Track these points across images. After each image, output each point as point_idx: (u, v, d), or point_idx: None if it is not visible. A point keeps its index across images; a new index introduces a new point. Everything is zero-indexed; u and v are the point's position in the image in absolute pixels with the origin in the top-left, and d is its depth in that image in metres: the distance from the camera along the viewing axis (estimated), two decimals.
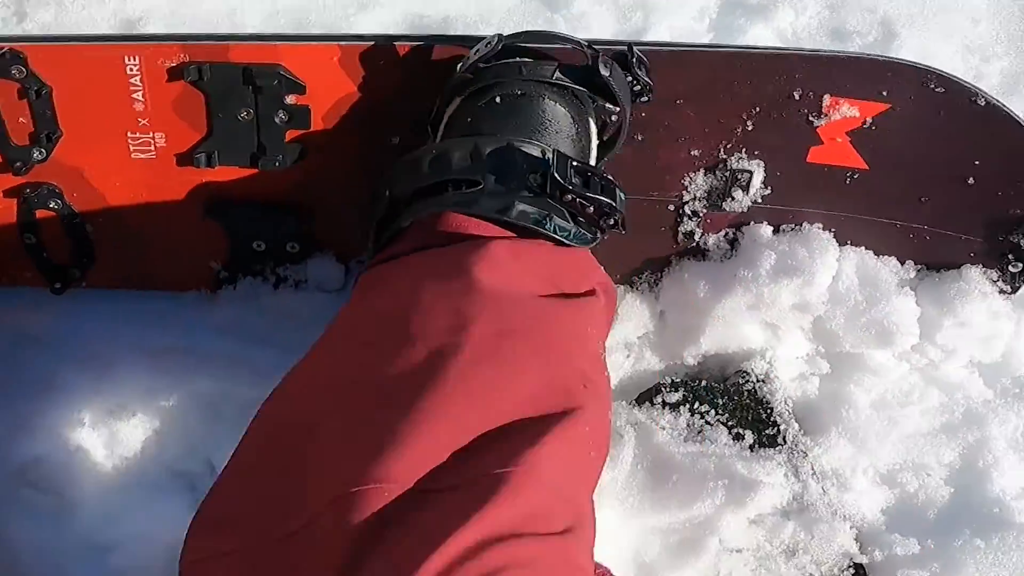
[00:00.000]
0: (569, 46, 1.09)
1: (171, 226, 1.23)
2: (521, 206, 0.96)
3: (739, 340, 1.33)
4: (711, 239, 1.32)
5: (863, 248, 1.32)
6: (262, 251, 1.26)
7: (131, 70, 1.10)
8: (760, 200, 1.27)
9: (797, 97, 1.19)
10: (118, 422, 1.22)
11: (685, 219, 1.28)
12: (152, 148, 1.16)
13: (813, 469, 1.25)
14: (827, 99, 1.20)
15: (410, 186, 1.01)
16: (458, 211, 0.96)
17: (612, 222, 1.03)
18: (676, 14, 1.46)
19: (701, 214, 1.28)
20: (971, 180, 1.25)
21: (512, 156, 0.99)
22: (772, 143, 1.23)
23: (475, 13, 1.43)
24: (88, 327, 1.30)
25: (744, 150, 1.24)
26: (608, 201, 1.01)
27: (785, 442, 1.27)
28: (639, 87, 1.11)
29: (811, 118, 1.21)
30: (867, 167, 1.25)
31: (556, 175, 0.97)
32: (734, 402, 1.29)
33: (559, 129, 1.06)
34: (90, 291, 1.31)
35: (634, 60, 1.10)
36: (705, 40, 1.51)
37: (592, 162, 1.12)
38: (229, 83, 1.11)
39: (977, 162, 1.24)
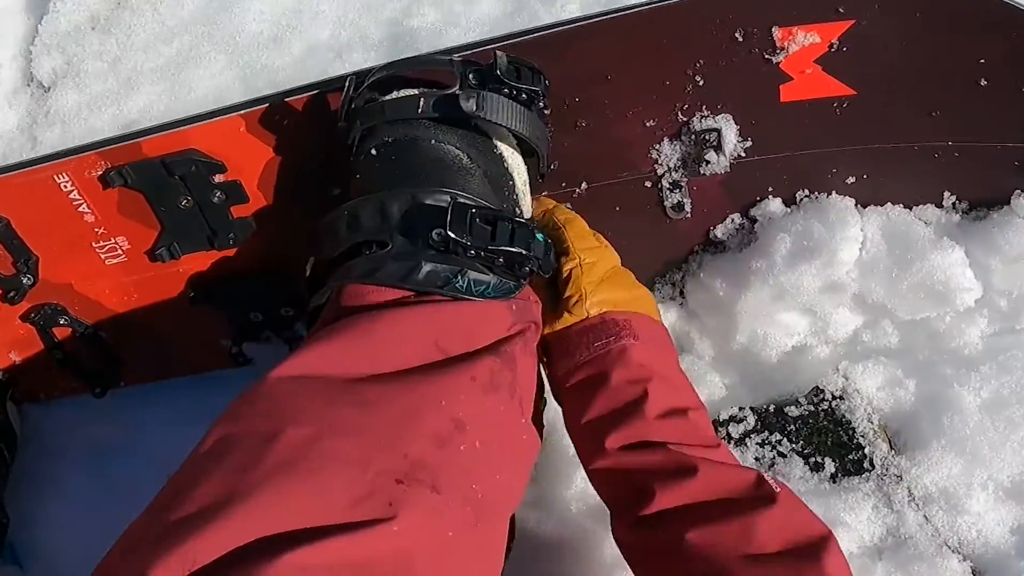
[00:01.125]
0: (437, 67, 1.02)
1: (171, 316, 1.27)
2: (428, 267, 0.91)
3: (782, 332, 1.20)
4: (720, 229, 1.20)
5: (889, 204, 1.16)
6: (261, 321, 1.27)
7: (65, 187, 1.14)
8: (743, 155, 1.13)
9: (740, 38, 1.06)
10: None
11: (667, 192, 1.17)
12: (120, 252, 1.20)
13: (911, 494, 1.10)
14: (776, 31, 1.06)
15: (332, 250, 0.98)
16: (360, 282, 0.92)
17: (528, 269, 0.95)
18: None
19: (683, 183, 1.16)
20: (983, 81, 1.06)
21: (417, 211, 0.93)
22: (733, 93, 1.10)
23: (442, 19, 1.35)
24: (156, 433, 1.37)
25: (704, 107, 1.11)
26: (517, 251, 0.92)
27: (873, 467, 1.12)
28: (525, 96, 0.99)
29: (767, 56, 1.07)
30: (854, 91, 1.09)
31: (451, 233, 0.90)
32: (809, 426, 1.16)
33: (458, 167, 0.98)
34: (149, 394, 1.37)
35: (500, 71, 0.98)
36: None
37: (519, 184, 1.03)
38: (155, 178, 1.13)
39: (982, 60, 1.05)
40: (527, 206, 1.05)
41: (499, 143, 1.01)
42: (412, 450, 0.78)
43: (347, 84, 1.02)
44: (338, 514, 0.72)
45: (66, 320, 1.27)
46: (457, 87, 0.98)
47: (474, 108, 0.95)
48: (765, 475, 0.91)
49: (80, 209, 1.16)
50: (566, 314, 1.01)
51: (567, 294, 1.01)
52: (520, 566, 1.04)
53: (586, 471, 0.99)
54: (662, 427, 0.94)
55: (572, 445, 1.02)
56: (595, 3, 1.26)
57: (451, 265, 0.91)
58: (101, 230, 1.19)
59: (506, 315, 0.93)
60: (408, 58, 1.04)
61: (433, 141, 0.97)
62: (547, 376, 1.05)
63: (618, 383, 0.96)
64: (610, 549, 1.10)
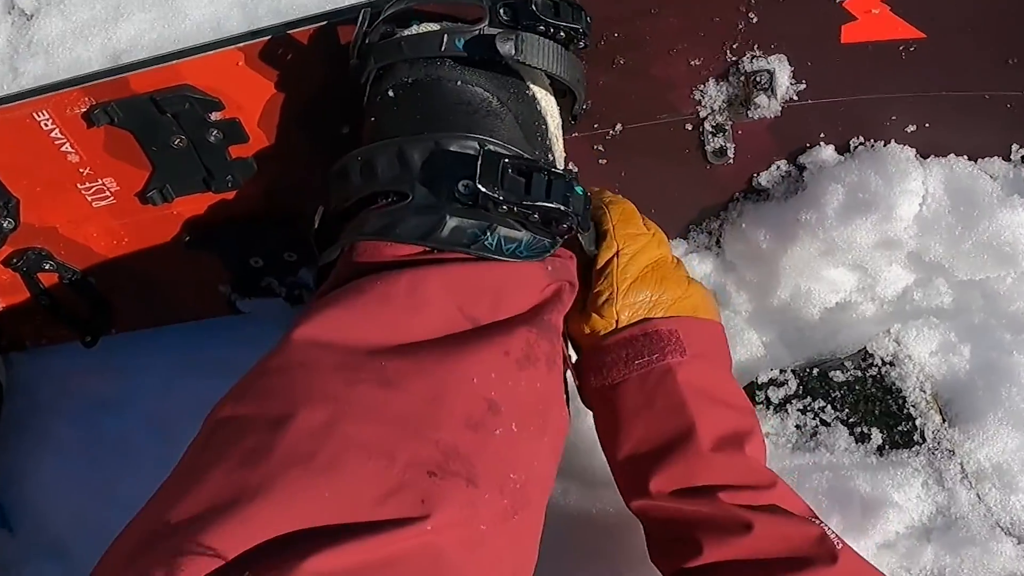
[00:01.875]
0: (464, 1, 0.90)
1: (165, 261, 1.17)
2: (453, 222, 0.81)
3: (827, 289, 1.11)
4: (764, 176, 1.09)
5: (952, 156, 1.05)
6: (261, 267, 1.18)
7: (46, 125, 1.04)
8: (795, 97, 1.03)
9: None
10: None
11: (709, 136, 1.06)
12: (108, 194, 1.10)
13: (963, 470, 1.01)
14: None
15: (343, 200, 0.88)
16: (376, 238, 0.82)
17: (566, 226, 0.84)
18: None
19: (727, 127, 1.05)
20: None
21: (442, 159, 0.83)
22: (789, 32, 0.99)
23: None
24: (151, 384, 1.30)
25: (756, 47, 1.01)
26: (554, 207, 0.81)
27: (924, 440, 1.03)
28: (563, 35, 0.89)
29: None
30: (924, 35, 0.98)
31: (481, 187, 0.80)
32: (856, 393, 1.06)
33: (486, 111, 0.87)
34: (142, 344, 1.30)
35: (537, 7, 0.86)
36: None
37: (552, 129, 0.93)
38: (145, 116, 1.03)
39: None
40: (560, 152, 0.95)
41: (532, 84, 0.91)
42: (443, 436, 0.70)
43: (360, 16, 0.90)
44: (363, 512, 0.64)
45: (51, 265, 1.18)
46: (487, 24, 0.86)
47: (512, 51, 0.84)
48: (827, 530, 0.83)
49: (63, 148, 1.06)
50: (594, 316, 0.90)
51: (597, 288, 0.91)
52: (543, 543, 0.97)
53: (625, 504, 0.91)
54: (713, 464, 0.85)
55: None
56: None
57: (479, 220, 0.81)
58: (87, 171, 1.08)
59: (541, 276, 0.83)
60: None
61: (459, 82, 0.87)
62: (575, 384, 0.94)
63: (662, 411, 0.87)
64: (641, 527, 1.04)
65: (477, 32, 0.86)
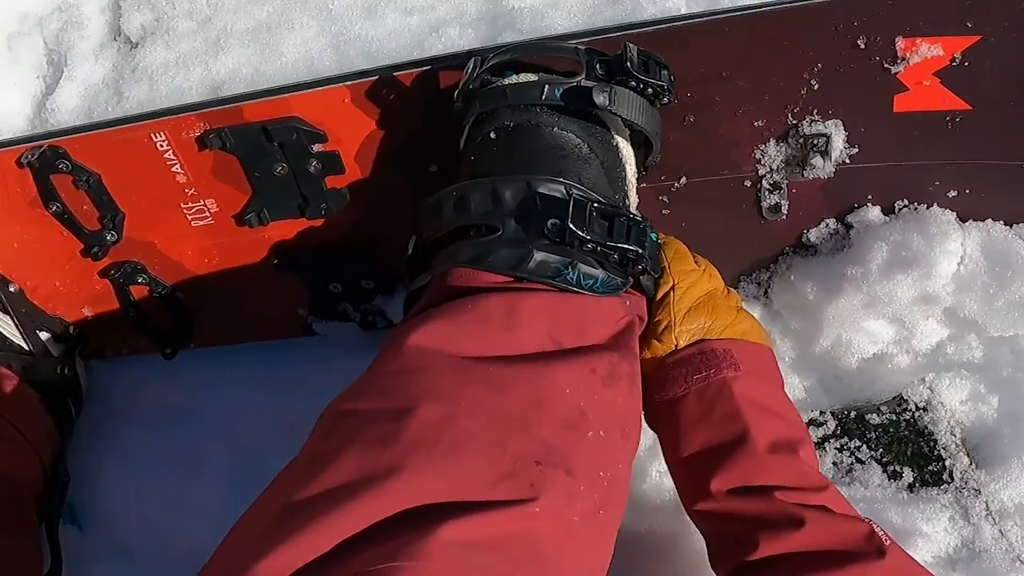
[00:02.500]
0: (563, 55, 1.00)
1: (250, 282, 1.26)
2: (540, 256, 0.89)
3: (866, 340, 1.19)
4: (814, 232, 1.19)
5: (990, 221, 1.14)
6: (339, 292, 1.26)
7: (161, 146, 1.13)
8: (848, 160, 1.12)
9: (863, 45, 1.04)
10: None
11: (766, 193, 1.15)
12: (208, 214, 1.19)
13: (988, 508, 1.09)
14: (900, 41, 1.04)
15: (435, 231, 0.97)
16: (469, 267, 0.90)
17: (640, 268, 0.93)
18: None
19: (783, 185, 1.15)
20: None
21: (532, 199, 0.91)
22: (847, 99, 1.09)
23: (543, 0, 1.32)
24: (224, 396, 1.36)
25: (815, 112, 1.10)
26: (633, 249, 0.91)
27: (952, 479, 1.12)
28: (650, 90, 0.99)
29: (886, 65, 1.05)
30: (969, 107, 1.08)
31: (572, 227, 0.89)
32: (890, 435, 1.15)
33: (577, 156, 0.96)
34: (218, 359, 1.36)
35: (630, 64, 0.97)
36: None
37: (630, 176, 1.02)
38: (254, 143, 1.12)
39: None
40: (634, 198, 1.05)
41: (616, 134, 1.00)
42: (545, 434, 0.78)
43: (470, 64, 1.00)
44: (482, 492, 0.72)
45: (144, 279, 1.26)
46: (583, 77, 0.96)
47: (607, 103, 0.94)
48: (876, 527, 0.90)
49: (173, 169, 1.15)
50: (654, 342, 0.99)
51: (656, 318, 0.99)
52: None
53: (687, 511, 0.99)
54: (768, 465, 0.92)
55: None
56: None
57: (563, 256, 0.90)
58: (192, 191, 1.17)
59: (619, 309, 0.92)
60: (532, 41, 1.03)
61: (555, 128, 0.96)
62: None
63: (720, 419, 0.94)
64: (688, 546, 1.10)
65: (575, 84, 0.96)
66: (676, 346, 0.98)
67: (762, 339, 1.03)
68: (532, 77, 1.00)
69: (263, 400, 1.32)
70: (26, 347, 1.26)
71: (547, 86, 0.96)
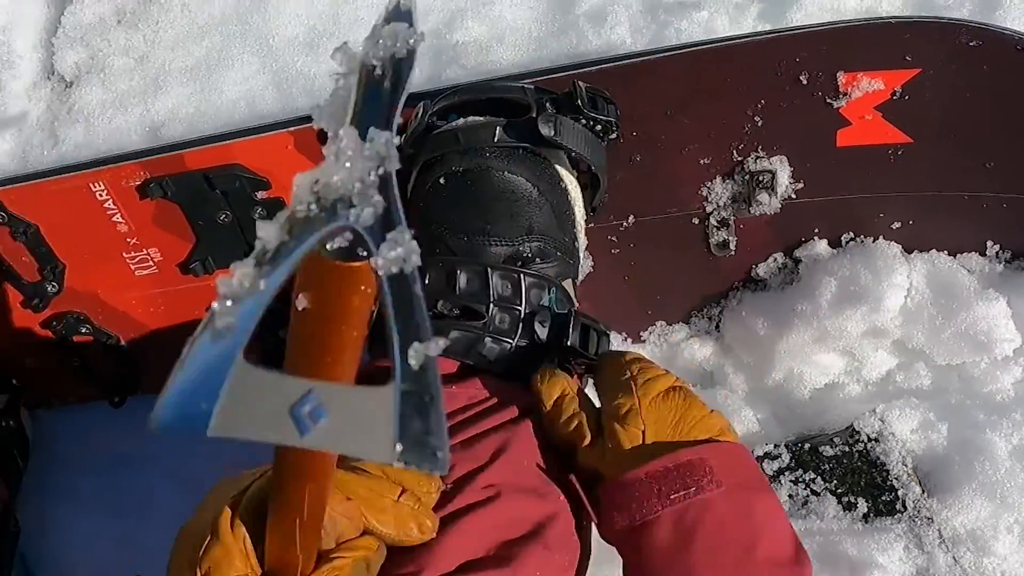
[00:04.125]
0: (511, 94, 1.00)
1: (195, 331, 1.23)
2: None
3: (818, 372, 1.20)
4: (762, 267, 1.19)
5: (934, 251, 1.15)
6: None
7: (100, 195, 1.11)
8: (793, 196, 1.12)
9: (805, 81, 1.05)
10: None
11: (714, 230, 1.16)
12: (152, 263, 1.17)
13: (941, 535, 1.09)
14: (841, 76, 1.04)
15: None
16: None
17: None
18: (701, 7, 1.23)
19: (731, 221, 1.15)
20: None
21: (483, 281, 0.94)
22: (790, 135, 1.09)
23: (487, 34, 1.31)
24: (173, 442, 1.33)
25: (760, 148, 1.10)
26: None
27: (905, 508, 1.12)
28: (599, 127, 0.99)
29: (829, 100, 1.06)
30: (910, 139, 1.08)
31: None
32: (843, 466, 1.15)
33: (528, 200, 0.97)
34: None
35: (581, 101, 0.97)
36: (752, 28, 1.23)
37: (578, 217, 1.03)
38: (196, 191, 1.10)
39: None
40: (583, 239, 1.05)
41: (564, 176, 1.00)
42: None
43: (420, 108, 0.99)
44: None
45: (88, 329, 1.23)
46: (533, 115, 0.96)
47: (552, 133, 0.94)
48: None
49: (114, 219, 1.13)
50: (617, 427, 0.83)
51: (616, 402, 0.85)
52: None
53: None
54: None
55: None
56: (644, 27, 1.23)
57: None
58: (133, 240, 1.15)
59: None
60: (479, 83, 1.03)
61: (505, 172, 0.96)
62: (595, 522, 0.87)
63: (706, 550, 0.79)
64: None
65: (524, 120, 0.96)
66: (644, 436, 0.83)
67: (736, 437, 0.89)
68: (480, 119, 0.99)
69: (212, 444, 1.29)
70: None
71: (498, 128, 0.96)
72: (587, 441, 0.86)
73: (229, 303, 0.40)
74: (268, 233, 0.41)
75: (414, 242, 0.41)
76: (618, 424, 0.84)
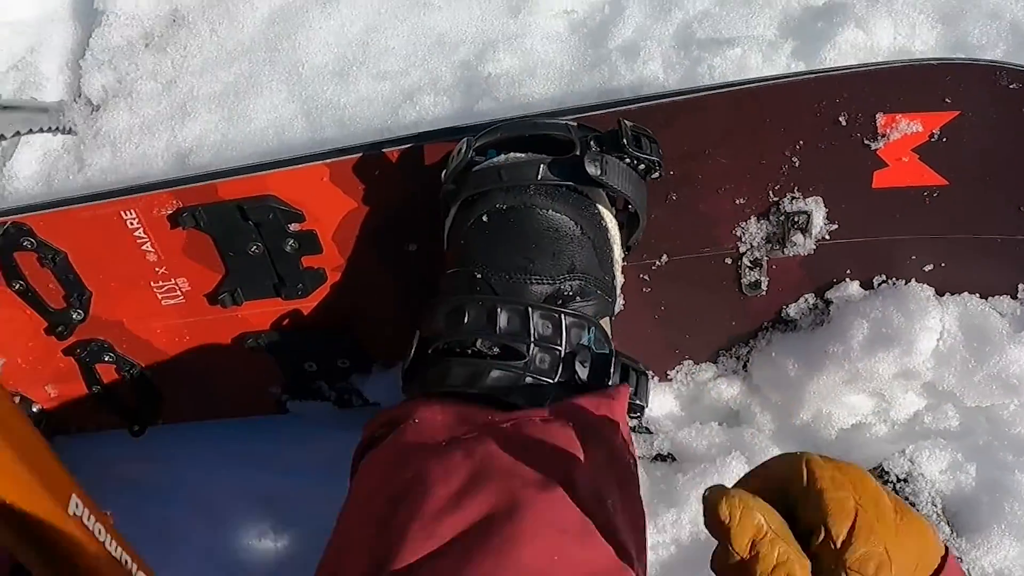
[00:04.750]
0: (554, 132, 0.99)
1: (222, 361, 1.22)
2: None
3: (846, 412, 1.20)
4: (792, 307, 1.19)
5: (966, 294, 1.16)
6: (315, 371, 1.24)
7: (131, 224, 1.10)
8: (827, 237, 1.12)
9: (844, 122, 1.05)
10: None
11: (746, 270, 1.15)
12: (179, 293, 1.16)
13: (970, 575, 1.10)
14: (880, 118, 1.04)
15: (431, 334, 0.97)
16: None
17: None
18: (734, 44, 1.22)
19: (764, 262, 1.14)
20: None
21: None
22: (827, 176, 1.09)
23: (519, 67, 1.30)
24: (196, 472, 1.33)
25: (796, 188, 1.10)
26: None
27: None
28: (643, 166, 0.99)
29: (867, 141, 1.06)
30: (947, 182, 1.08)
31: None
32: None
33: (571, 238, 0.96)
34: (187, 435, 1.34)
35: (626, 140, 0.97)
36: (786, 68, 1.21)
37: (616, 256, 1.02)
38: (228, 222, 1.09)
39: None
40: (620, 277, 1.05)
41: (604, 214, 1.00)
42: None
43: (462, 144, 0.99)
44: None
45: (111, 357, 1.22)
46: (578, 151, 0.96)
47: (598, 172, 0.94)
48: None
49: (143, 247, 1.12)
50: None
51: (859, 552, 0.67)
52: None
53: None
54: None
55: None
56: (677, 62, 1.22)
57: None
58: (162, 270, 1.14)
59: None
60: (522, 119, 1.02)
61: (549, 210, 0.95)
62: None
63: None
64: None
65: (570, 159, 0.96)
66: None
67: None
68: (522, 156, 0.99)
69: (237, 476, 1.29)
70: None
71: (542, 165, 0.95)
72: None
73: None
74: None
75: None
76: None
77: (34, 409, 1.27)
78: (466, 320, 0.92)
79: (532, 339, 0.92)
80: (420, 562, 0.75)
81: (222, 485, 1.29)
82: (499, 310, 0.92)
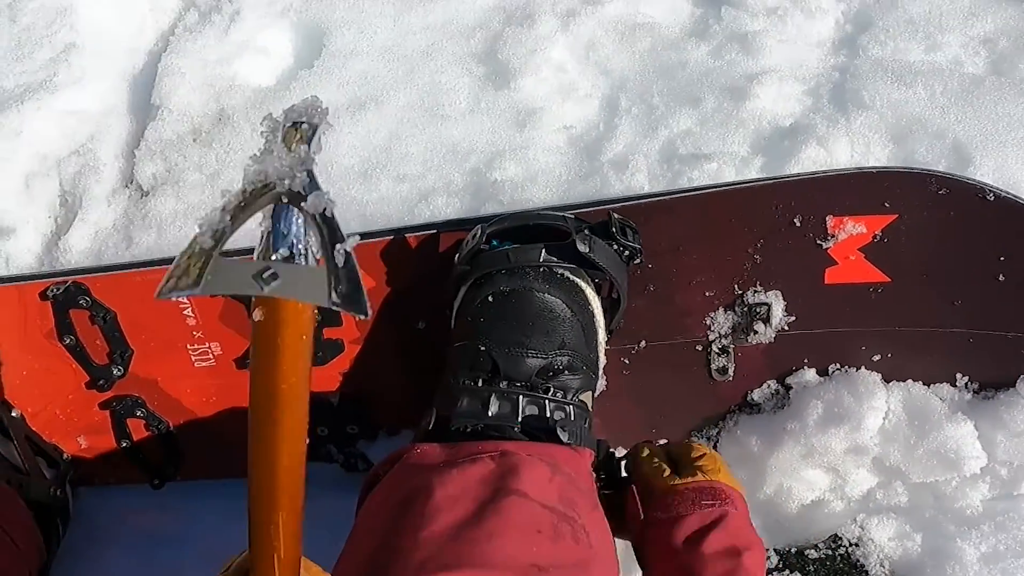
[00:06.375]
0: (555, 222, 1.16)
1: (243, 421, 1.34)
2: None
3: (804, 487, 1.33)
4: (757, 392, 1.33)
5: (910, 381, 1.30)
6: (325, 435, 1.36)
7: None
8: (786, 328, 1.27)
9: (798, 223, 1.20)
10: None
11: (715, 356, 1.30)
12: (211, 356, 1.30)
13: None
14: (830, 220, 1.20)
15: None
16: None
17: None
18: (711, 159, 1.43)
19: (731, 349, 1.29)
20: (1001, 276, 1.21)
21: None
22: (785, 272, 1.24)
23: (522, 175, 1.48)
24: (208, 525, 1.43)
25: (758, 282, 1.25)
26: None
27: None
28: (627, 252, 1.16)
29: (819, 241, 1.21)
30: (888, 279, 1.23)
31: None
32: (827, 568, 1.28)
33: (563, 319, 1.11)
34: (202, 489, 1.45)
35: (615, 229, 1.14)
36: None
37: (601, 338, 1.17)
38: None
39: (1002, 257, 1.20)
40: (603, 358, 1.20)
41: (592, 299, 1.15)
42: None
43: (477, 230, 1.16)
44: None
45: (142, 413, 1.35)
46: (571, 240, 1.12)
47: (587, 250, 1.11)
48: None
49: (184, 312, 1.26)
50: (699, 475, 1.09)
51: (699, 464, 1.10)
52: None
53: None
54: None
55: None
56: (660, 174, 1.41)
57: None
58: (199, 333, 1.28)
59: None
60: (527, 212, 1.19)
61: (546, 294, 1.11)
62: (629, 519, 1.12)
63: (717, 539, 1.03)
64: None
65: (566, 243, 1.12)
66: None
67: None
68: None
69: (246, 529, 1.39)
70: (22, 468, 1.33)
71: (543, 249, 1.12)
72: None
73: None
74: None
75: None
76: (700, 471, 1.09)
77: (64, 458, 1.39)
78: (459, 407, 1.08)
79: (519, 420, 1.08)
80: (421, 543, 0.90)
81: (233, 534, 1.38)
82: (491, 399, 1.08)
